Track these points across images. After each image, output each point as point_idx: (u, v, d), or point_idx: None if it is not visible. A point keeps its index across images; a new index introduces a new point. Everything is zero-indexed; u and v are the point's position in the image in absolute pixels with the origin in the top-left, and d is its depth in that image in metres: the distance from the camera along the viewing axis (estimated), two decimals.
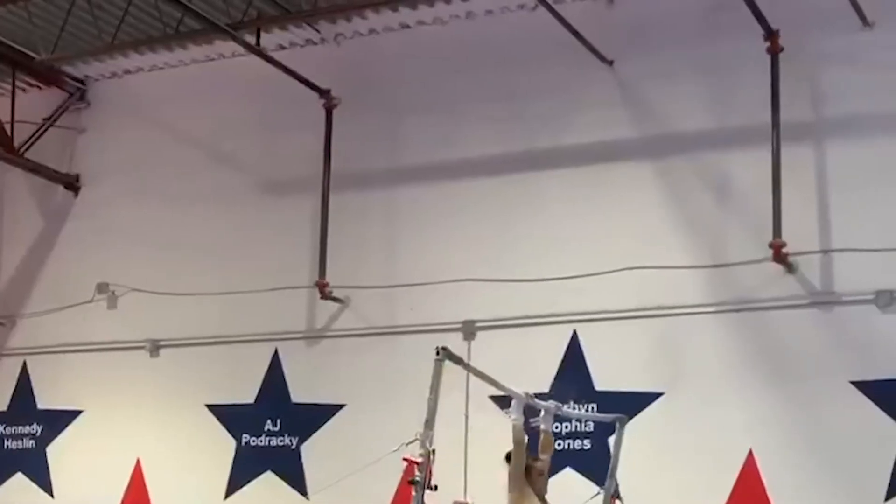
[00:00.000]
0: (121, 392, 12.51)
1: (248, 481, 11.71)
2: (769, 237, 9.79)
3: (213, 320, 12.11)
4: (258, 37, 11.72)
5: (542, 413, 8.15)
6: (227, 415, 11.97)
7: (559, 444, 10.35)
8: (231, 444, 11.90)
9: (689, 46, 10.59)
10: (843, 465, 9.37)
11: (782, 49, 10.03)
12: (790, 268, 9.85)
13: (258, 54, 11.58)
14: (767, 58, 10.05)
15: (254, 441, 11.81)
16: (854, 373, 9.45)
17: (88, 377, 12.71)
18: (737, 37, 10.25)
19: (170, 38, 12.04)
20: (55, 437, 12.80)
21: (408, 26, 11.78)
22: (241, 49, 11.79)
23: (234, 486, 11.77)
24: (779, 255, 9.79)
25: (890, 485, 9.19)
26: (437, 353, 6.92)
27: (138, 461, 12.24)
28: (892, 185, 9.69)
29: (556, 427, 10.37)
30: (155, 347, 12.41)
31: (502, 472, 10.26)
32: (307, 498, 11.29)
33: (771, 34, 10.03)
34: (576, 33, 10.59)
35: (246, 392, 11.91)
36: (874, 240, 9.56)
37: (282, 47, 12.15)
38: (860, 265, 9.59)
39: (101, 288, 12.75)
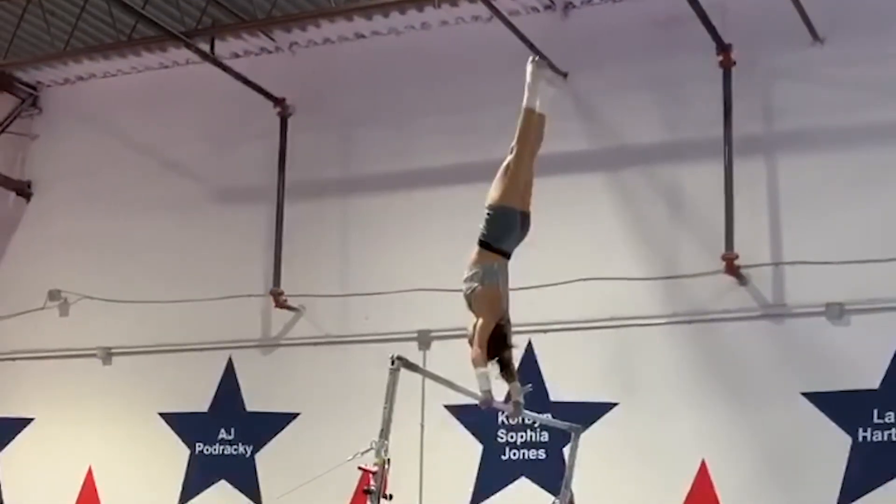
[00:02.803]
0: (72, 400, 12.45)
1: (202, 490, 11.70)
2: (721, 249, 9.91)
3: (166, 328, 12.08)
4: (212, 45, 11.72)
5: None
6: (181, 423, 11.94)
7: (514, 454, 10.51)
8: (184, 452, 11.87)
9: (642, 60, 10.69)
10: (794, 476, 9.50)
11: (734, 63, 10.16)
12: (742, 280, 9.97)
13: (212, 62, 11.58)
14: (720, 72, 10.16)
15: (207, 450, 11.79)
16: (805, 384, 9.59)
17: (39, 385, 12.64)
18: (690, 51, 10.36)
19: (123, 44, 12.02)
20: (5, 445, 12.72)
21: (363, 36, 11.81)
22: (195, 57, 11.78)
23: (187, 495, 11.75)
24: (731, 267, 9.91)
25: (840, 495, 9.33)
26: (393, 363, 6.93)
27: (90, 469, 12.19)
28: (841, 198, 9.83)
29: (512, 437, 10.56)
30: (107, 355, 12.36)
31: (456, 481, 10.49)
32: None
33: (723, 49, 10.14)
34: (530, 45, 10.65)
35: (199, 400, 11.90)
36: (825, 253, 9.69)
37: (236, 55, 12.14)
38: (811, 278, 9.73)
39: (53, 295, 12.67)
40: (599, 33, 10.95)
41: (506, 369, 7.45)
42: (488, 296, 7.39)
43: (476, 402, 7.48)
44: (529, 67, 7.86)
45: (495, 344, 7.33)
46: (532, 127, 7.74)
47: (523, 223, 7.59)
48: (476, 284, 7.39)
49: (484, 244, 7.52)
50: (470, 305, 7.44)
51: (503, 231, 7.51)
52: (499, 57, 11.10)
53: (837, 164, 9.91)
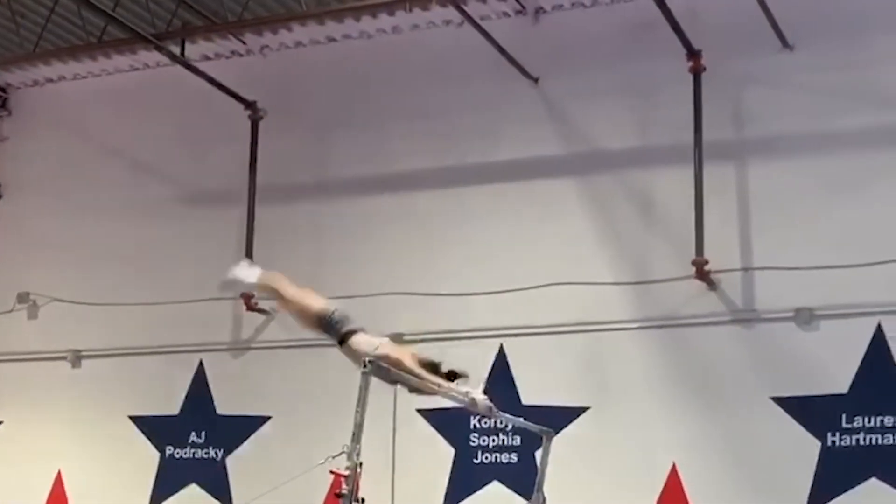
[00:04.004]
0: (41, 403, 12.39)
1: (172, 494, 11.66)
2: (692, 255, 9.97)
3: (136, 331, 12.04)
4: (183, 47, 11.65)
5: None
6: (151, 426, 11.91)
7: (487, 458, 10.55)
8: (154, 456, 11.84)
9: (613, 65, 10.73)
10: (764, 480, 9.56)
11: (704, 69, 10.21)
12: (712, 285, 10.03)
13: (183, 65, 11.55)
14: (690, 78, 10.21)
15: (178, 453, 11.77)
16: (774, 389, 9.66)
17: (8, 387, 12.56)
18: (660, 56, 10.40)
19: (93, 46, 11.96)
20: None
21: (334, 40, 11.81)
22: (165, 59, 11.75)
23: (157, 498, 11.71)
24: (701, 272, 9.98)
25: (809, 499, 9.43)
26: (365, 366, 6.94)
27: (59, 473, 12.13)
28: (811, 204, 9.90)
29: (484, 441, 10.59)
30: (76, 358, 12.31)
31: (428, 485, 10.53)
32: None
33: (693, 54, 10.19)
34: (501, 50, 10.72)
35: (170, 404, 11.87)
36: (794, 258, 9.76)
37: (207, 58, 12.10)
38: (780, 283, 9.80)
39: (22, 297, 12.59)
40: (570, 38, 11.00)
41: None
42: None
43: (459, 405, 7.58)
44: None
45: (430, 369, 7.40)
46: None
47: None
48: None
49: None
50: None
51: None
52: (470, 61, 11.20)
53: (807, 171, 9.98)
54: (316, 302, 7.74)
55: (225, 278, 8.02)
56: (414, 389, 7.55)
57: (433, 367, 7.55)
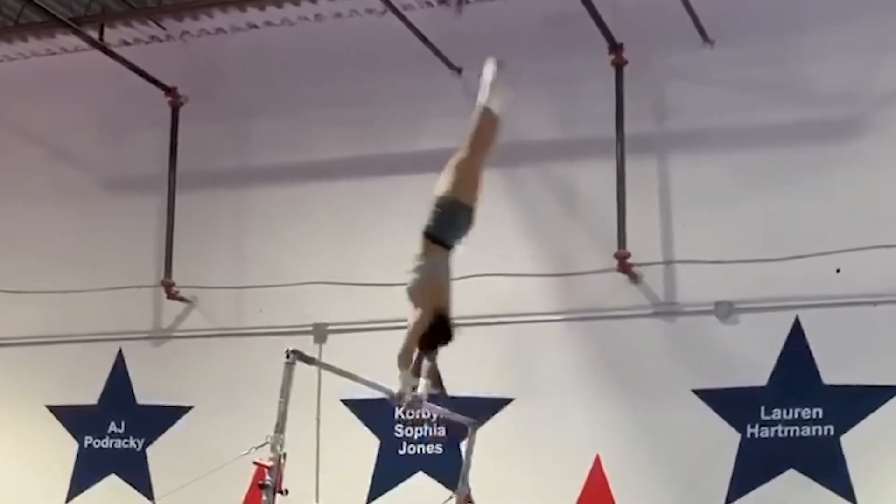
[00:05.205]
0: None
1: (91, 485, 11.56)
2: (615, 248, 10.09)
3: (53, 319, 11.89)
4: (102, 32, 11.54)
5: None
6: (69, 416, 11.78)
7: (412, 449, 10.61)
8: (73, 446, 11.73)
9: (536, 57, 10.74)
10: (686, 471, 9.74)
11: (626, 63, 10.31)
12: (634, 278, 10.16)
13: (101, 49, 11.40)
14: (612, 71, 10.31)
15: (97, 443, 11.66)
16: (696, 381, 9.81)
17: None
18: (583, 49, 10.47)
19: (9, 30, 11.78)
20: None
21: (256, 26, 11.70)
22: (84, 44, 11.56)
23: (76, 489, 11.60)
24: (624, 265, 10.10)
25: (730, 489, 9.60)
26: (288, 356, 6.93)
27: None
28: (731, 198, 10.06)
29: (409, 432, 10.65)
30: None
31: (353, 476, 10.55)
32: (153, 502, 11.19)
33: (615, 48, 10.29)
34: (424, 40, 10.73)
35: (88, 393, 11.74)
36: (714, 252, 9.90)
37: (126, 43, 11.93)
38: (701, 276, 9.94)
39: None
40: (493, 29, 10.96)
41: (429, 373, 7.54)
42: (432, 288, 7.43)
43: (383, 395, 7.61)
44: (491, 67, 7.78)
45: (434, 334, 7.38)
46: (488, 126, 7.78)
47: (470, 218, 7.59)
48: (419, 276, 7.38)
49: (430, 236, 7.50)
50: (412, 297, 7.37)
51: (451, 224, 7.60)
52: (392, 51, 11.18)
53: (727, 165, 10.14)
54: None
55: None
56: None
57: (439, 334, 7.52)
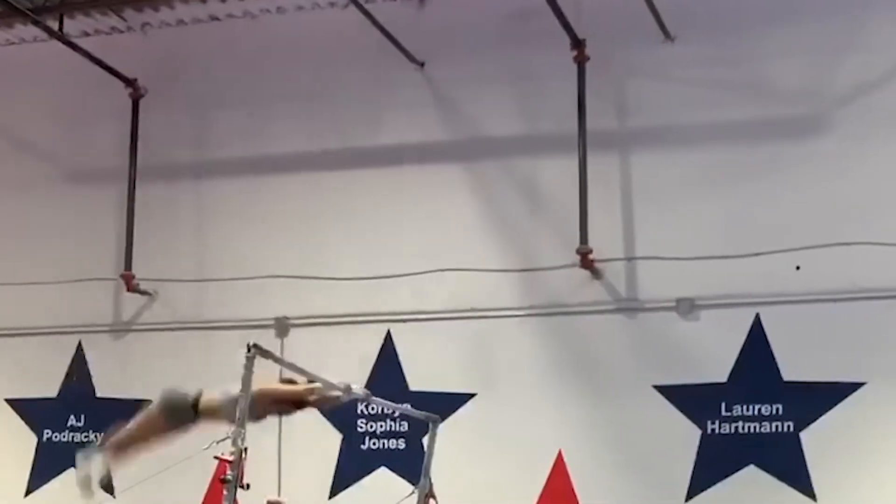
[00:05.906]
0: None
1: (51, 479, 11.42)
2: (577, 243, 10.12)
3: (12, 311, 11.75)
4: (61, 22, 11.43)
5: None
6: (28, 409, 11.69)
7: (374, 444, 10.63)
8: (32, 439, 11.63)
9: (498, 51, 10.77)
10: (647, 466, 9.79)
11: (588, 59, 10.32)
12: (596, 274, 10.19)
13: (61, 40, 11.26)
14: (574, 67, 10.33)
15: (56, 437, 11.57)
16: (657, 377, 9.86)
17: None
18: (545, 44, 10.46)
19: None
20: None
21: (217, 18, 11.61)
22: (43, 34, 11.45)
23: (35, 483, 11.51)
24: (586, 261, 10.13)
25: (691, 484, 9.68)
26: (249, 350, 6.80)
27: None
28: (692, 195, 10.10)
29: (371, 427, 10.66)
30: None
31: (315, 471, 10.56)
32: (113, 496, 11.07)
33: (577, 44, 10.29)
34: (386, 33, 10.71)
35: (47, 386, 11.65)
36: (676, 248, 9.96)
37: (86, 34, 11.83)
38: (662, 273, 9.99)
39: None
40: (456, 23, 11.00)
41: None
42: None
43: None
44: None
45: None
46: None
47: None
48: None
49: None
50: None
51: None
52: (355, 44, 11.16)
53: (688, 162, 10.18)
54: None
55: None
56: (293, 406, 7.19)
57: (290, 383, 7.22)
